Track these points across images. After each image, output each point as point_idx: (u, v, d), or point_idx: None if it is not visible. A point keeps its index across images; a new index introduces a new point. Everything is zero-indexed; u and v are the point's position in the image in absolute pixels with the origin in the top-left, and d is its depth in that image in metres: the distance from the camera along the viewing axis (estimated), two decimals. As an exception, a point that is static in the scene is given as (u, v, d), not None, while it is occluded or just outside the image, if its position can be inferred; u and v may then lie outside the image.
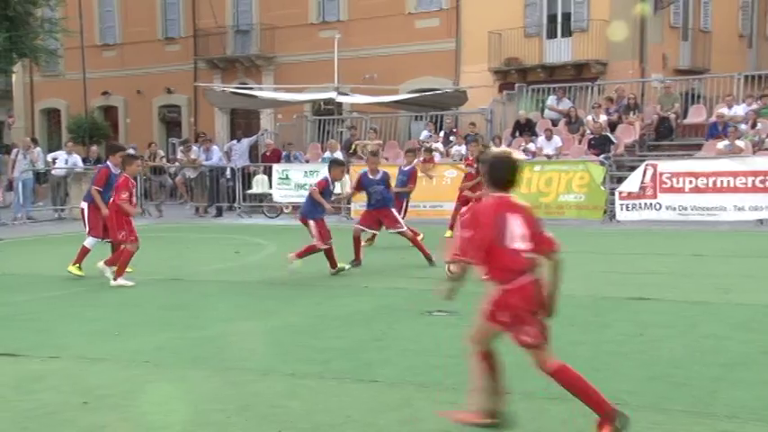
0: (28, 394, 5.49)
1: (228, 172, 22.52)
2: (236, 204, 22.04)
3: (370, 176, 11.84)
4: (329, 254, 10.67)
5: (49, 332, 7.52)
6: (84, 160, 23.38)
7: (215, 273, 11.26)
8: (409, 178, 14.78)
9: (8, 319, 8.24)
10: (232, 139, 26.87)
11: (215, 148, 23.91)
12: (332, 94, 25.20)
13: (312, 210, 10.84)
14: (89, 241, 10.87)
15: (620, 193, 17.73)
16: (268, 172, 22.07)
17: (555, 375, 4.39)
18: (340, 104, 26.76)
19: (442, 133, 23.60)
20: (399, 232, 11.67)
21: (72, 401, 5.26)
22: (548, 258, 4.44)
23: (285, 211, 21.27)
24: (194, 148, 23.69)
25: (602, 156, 18.99)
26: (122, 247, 10.31)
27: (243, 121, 33.39)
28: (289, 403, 5.19)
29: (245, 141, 24.25)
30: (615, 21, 26.01)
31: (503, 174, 4.42)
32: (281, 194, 21.33)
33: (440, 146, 22.30)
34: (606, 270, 10.85)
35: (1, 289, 10.15)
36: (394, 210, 11.95)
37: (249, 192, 22.32)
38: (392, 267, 11.60)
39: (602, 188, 17.93)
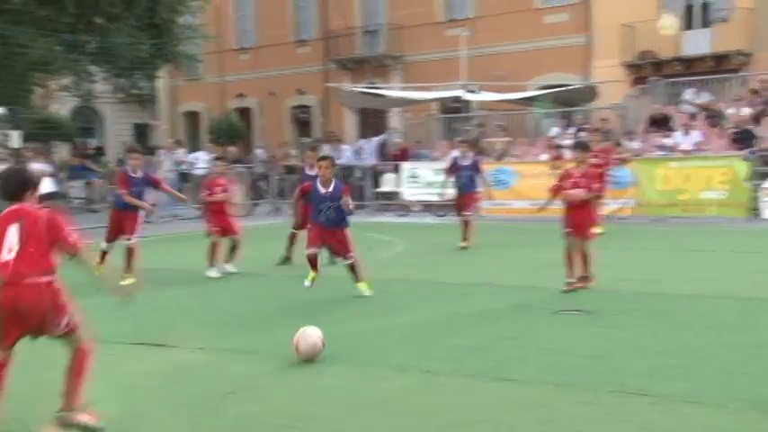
0: (177, 383, 5.77)
1: (358, 171, 22.86)
2: (365, 202, 22.35)
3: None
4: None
5: (194, 324, 7.86)
6: (218, 158, 24.20)
7: (346, 269, 11.43)
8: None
9: (156, 311, 8.66)
10: (361, 139, 27.25)
11: (345, 147, 24.31)
12: (459, 92, 25.16)
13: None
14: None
15: (766, 189, 16.90)
16: (397, 170, 22.27)
17: None
18: (468, 102, 26.68)
19: (572, 129, 23.13)
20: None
21: (218, 391, 5.50)
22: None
23: (414, 209, 21.40)
24: (325, 147, 24.17)
25: (747, 150, 18.14)
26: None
27: (372, 120, 33.79)
28: (424, 400, 5.24)
29: (375, 140, 24.56)
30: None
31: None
32: (410, 192, 21.48)
33: (570, 143, 21.85)
34: (752, 270, 10.38)
35: (151, 283, 10.65)
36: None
37: (378, 190, 22.59)
38: (521, 265, 11.50)
39: (746, 184, 17.13)
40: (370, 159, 23.22)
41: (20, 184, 4.75)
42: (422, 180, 21.12)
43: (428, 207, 21.04)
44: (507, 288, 9.49)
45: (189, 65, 30.57)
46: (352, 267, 9.25)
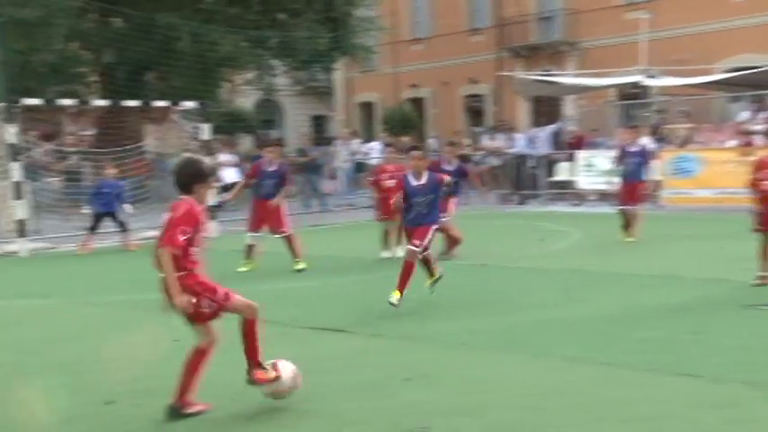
0: (353, 368, 5.91)
1: (532, 160, 22.53)
2: (538, 192, 22.01)
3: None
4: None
5: (369, 311, 8.02)
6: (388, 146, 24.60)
7: (520, 260, 11.33)
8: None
9: (332, 298, 8.92)
10: (535, 127, 26.85)
11: (518, 135, 24.04)
12: (639, 78, 24.22)
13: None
14: None
15: None
16: (572, 159, 21.77)
17: None
18: (647, 88, 25.64)
19: (763, 114, 21.72)
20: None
21: (394, 377, 5.58)
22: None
23: (590, 198, 20.86)
24: (499, 136, 24.02)
25: None
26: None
27: (546, 108, 33.16)
28: (604, 393, 5.10)
29: (549, 128, 24.12)
30: None
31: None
32: (586, 181, 20.94)
33: (761, 128, 20.56)
34: None
35: (323, 270, 11.00)
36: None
37: (552, 179, 22.17)
38: (705, 257, 10.95)
39: None
40: (543, 148, 22.83)
41: (189, 176, 4.90)
42: (598, 169, 20.50)
43: (604, 196, 20.43)
44: (690, 280, 9.05)
45: (364, 56, 31.23)
46: (425, 262, 8.49)
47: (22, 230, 13.47)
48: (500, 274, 10.14)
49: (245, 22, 25.62)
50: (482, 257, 11.46)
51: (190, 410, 4.86)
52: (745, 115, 22.13)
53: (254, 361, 4.97)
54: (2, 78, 21.15)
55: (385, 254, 11.62)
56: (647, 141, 20.82)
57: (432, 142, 28.86)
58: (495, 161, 23.35)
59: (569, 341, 6.46)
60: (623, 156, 13.46)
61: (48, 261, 13.06)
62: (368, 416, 4.82)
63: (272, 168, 11.16)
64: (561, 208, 20.17)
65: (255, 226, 11.19)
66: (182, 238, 4.72)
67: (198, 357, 4.91)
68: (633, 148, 13.55)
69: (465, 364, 5.92)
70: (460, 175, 12.30)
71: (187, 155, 5.57)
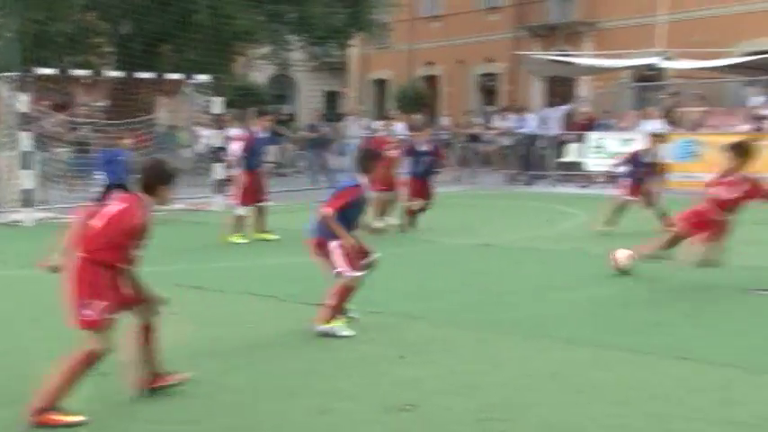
0: (349, 344, 5.93)
1: (542, 140, 22.44)
2: (548, 173, 21.93)
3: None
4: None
5: (371, 289, 8.03)
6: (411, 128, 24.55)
7: (525, 240, 11.33)
8: None
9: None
10: (547, 107, 26.71)
11: (530, 116, 23.93)
12: (654, 60, 24.04)
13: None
14: None
15: None
16: (582, 140, 21.66)
17: None
18: (662, 70, 25.44)
19: (778, 99, 21.52)
20: None
21: (389, 354, 5.62)
22: None
23: (598, 180, 20.78)
24: (510, 116, 23.91)
25: None
26: None
27: (560, 88, 32.96)
28: (598, 374, 5.13)
29: (561, 109, 23.97)
30: None
31: None
32: (594, 163, 20.84)
33: (775, 113, 20.40)
34: None
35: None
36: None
37: (562, 160, 22.08)
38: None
39: None
40: (554, 129, 22.70)
41: (153, 178, 4.70)
42: (607, 150, 20.41)
43: (612, 178, 20.38)
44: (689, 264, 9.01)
45: (380, 33, 31.07)
46: None
47: (28, 200, 13.53)
48: (502, 255, 10.15)
49: (262, -4, 25.52)
50: (486, 237, 11.47)
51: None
52: (757, 100, 21.93)
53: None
54: (17, 47, 21.22)
55: (377, 223, 11.81)
56: (659, 125, 20.73)
57: (444, 120, 28.81)
58: (505, 141, 23.27)
59: (565, 323, 6.48)
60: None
61: (52, 231, 13.10)
62: (360, 392, 4.87)
63: (265, 137, 11.57)
64: (569, 189, 20.11)
65: (251, 199, 11.33)
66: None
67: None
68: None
69: (460, 343, 5.95)
70: (435, 155, 12.80)
71: (155, 157, 5.47)
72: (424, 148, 12.48)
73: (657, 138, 12.94)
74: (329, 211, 6.10)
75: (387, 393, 4.81)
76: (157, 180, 4.72)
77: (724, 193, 7.51)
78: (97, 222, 4.57)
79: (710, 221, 7.57)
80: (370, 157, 6.64)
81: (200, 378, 5.02)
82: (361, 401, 4.71)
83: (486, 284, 8.20)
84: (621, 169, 12.60)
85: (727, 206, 7.55)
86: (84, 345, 4.40)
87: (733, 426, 4.22)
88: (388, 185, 11.84)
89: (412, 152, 12.54)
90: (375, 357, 5.57)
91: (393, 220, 12.36)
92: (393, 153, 11.99)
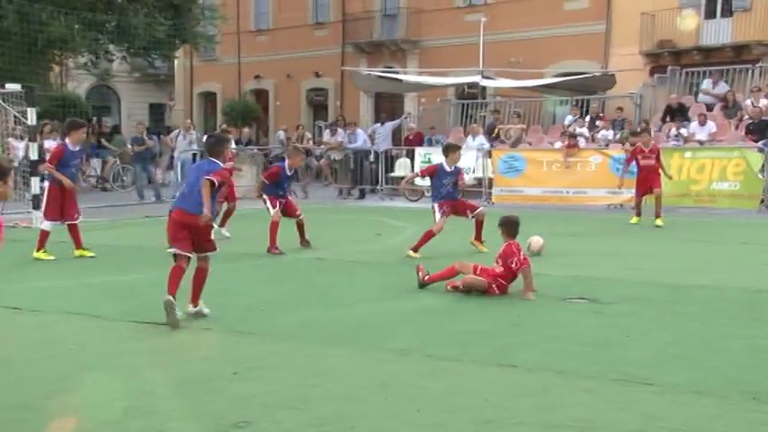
0: (183, 362, 5.82)
1: (372, 155, 22.87)
2: (378, 187, 22.37)
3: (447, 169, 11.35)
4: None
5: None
6: (237, 142, 24.29)
7: (356, 254, 11.49)
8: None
9: (161, 291, 8.70)
10: (376, 123, 27.25)
11: (360, 131, 24.32)
12: (476, 78, 25.10)
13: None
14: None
15: (779, 181, 16.80)
16: (410, 155, 22.25)
17: None
18: (484, 88, 26.60)
19: (587, 118, 23.06)
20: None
21: (223, 371, 5.54)
22: None
23: (426, 194, 21.39)
24: (340, 131, 24.20)
25: (762, 142, 18.01)
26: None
27: (387, 104, 33.75)
28: (427, 384, 5.26)
29: (389, 125, 24.52)
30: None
31: None
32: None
33: (585, 131, 21.82)
34: (762, 262, 10.34)
35: (159, 263, 10.71)
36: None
37: (392, 175, 22.58)
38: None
39: (760, 176, 17.02)
40: (383, 144, 23.20)
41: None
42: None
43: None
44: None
45: (206, 46, 30.63)
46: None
47: None
48: (335, 268, 10.24)
49: (78, 4, 24.49)
50: (318, 251, 11.53)
51: None
52: (570, 118, 23.39)
53: None
54: None
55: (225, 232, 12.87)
56: (482, 140, 21.66)
57: (280, 134, 28.75)
58: (336, 155, 23.54)
59: (396, 334, 6.62)
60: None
61: None
62: (194, 411, 4.76)
63: (77, 149, 11.05)
64: (399, 203, 20.58)
65: (57, 214, 10.96)
66: None
67: None
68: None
69: (293, 357, 5.94)
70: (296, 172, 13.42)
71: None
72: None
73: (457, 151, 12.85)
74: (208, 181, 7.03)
75: (222, 410, 4.74)
76: None
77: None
78: None
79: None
80: (220, 141, 7.55)
81: (25, 403, 4.74)
82: (198, 420, 4.61)
83: (318, 298, 8.24)
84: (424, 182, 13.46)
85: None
86: None
87: (553, 428, 4.45)
88: (228, 197, 12.74)
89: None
90: (208, 375, 5.47)
91: (226, 231, 12.90)
92: (231, 165, 12.15)
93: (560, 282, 8.83)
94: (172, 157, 23.43)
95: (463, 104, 27.35)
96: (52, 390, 5.14)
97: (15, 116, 16.17)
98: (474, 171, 20.33)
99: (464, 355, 5.90)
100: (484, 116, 25.73)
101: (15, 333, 6.71)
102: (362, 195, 22.66)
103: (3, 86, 15.73)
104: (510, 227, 8.43)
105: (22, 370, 5.59)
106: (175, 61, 37.43)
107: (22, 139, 17.51)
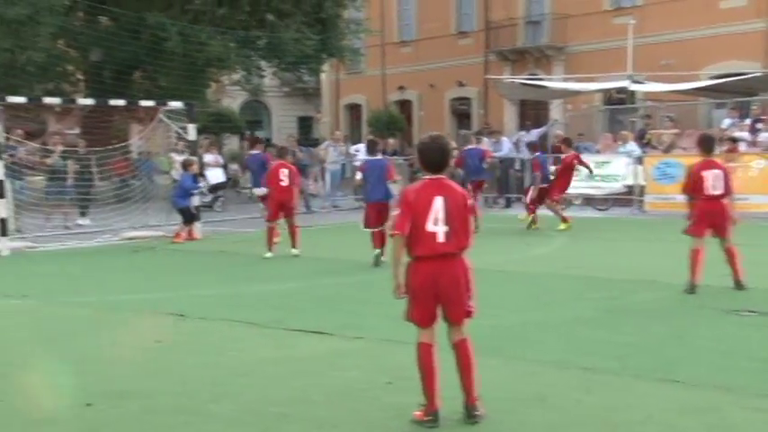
0: (337, 370, 5.90)
1: (518, 163, 22.58)
2: (523, 195, 22.01)
3: None
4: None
5: (352, 314, 8.02)
6: (383, 152, 24.58)
7: (504, 263, 11.34)
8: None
9: (319, 300, 8.90)
10: (521, 131, 26.92)
11: (505, 139, 24.09)
12: (625, 83, 24.33)
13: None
14: None
15: None
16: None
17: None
18: (633, 93, 25.76)
19: (748, 120, 21.87)
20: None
21: (376, 380, 5.58)
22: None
23: (574, 202, 20.91)
24: (485, 139, 24.03)
25: None
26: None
27: (532, 112, 33.29)
28: (585, 398, 5.11)
29: (535, 132, 24.15)
30: None
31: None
32: (570, 185, 20.96)
33: (745, 134, 20.71)
34: None
35: (311, 272, 11.00)
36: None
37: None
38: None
39: None
40: (529, 152, 22.84)
41: (445, 154, 4.70)
42: (583, 172, 20.57)
43: (588, 201, 20.54)
44: (672, 285, 9.05)
45: (352, 59, 31.21)
46: None
47: (2, 229, 13.34)
48: (482, 278, 10.10)
49: (233, 23, 25.56)
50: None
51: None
52: (728, 122, 22.26)
53: None
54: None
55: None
56: (632, 147, 20.97)
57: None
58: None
59: (549, 345, 6.47)
60: None
61: (28, 260, 12.95)
62: (348, 420, 4.82)
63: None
64: (544, 211, 20.20)
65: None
66: None
67: None
68: None
69: (447, 368, 5.82)
70: None
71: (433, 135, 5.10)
72: None
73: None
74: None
75: (375, 420, 4.77)
76: (446, 158, 4.73)
77: None
78: None
79: None
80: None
81: (192, 407, 4.95)
82: (350, 429, 4.66)
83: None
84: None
85: None
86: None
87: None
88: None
89: None
90: (363, 383, 5.52)
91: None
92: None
93: (725, 293, 8.39)
94: (321, 169, 23.98)
95: (612, 110, 26.58)
96: (217, 394, 5.34)
97: (177, 132, 17.01)
98: (625, 179, 19.70)
99: (623, 369, 5.70)
100: (634, 121, 24.89)
101: (181, 339, 7.02)
102: (508, 204, 22.40)
103: (166, 104, 16.61)
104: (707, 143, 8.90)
105: (188, 375, 5.84)
106: (322, 75, 38.36)
107: (182, 153, 18.38)
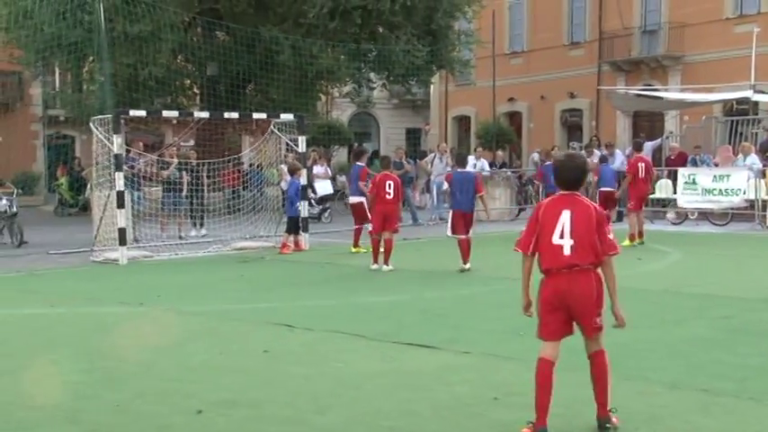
0: (445, 385, 5.84)
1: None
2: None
3: None
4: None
5: (459, 328, 7.94)
6: (491, 164, 24.42)
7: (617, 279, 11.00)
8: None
9: (424, 313, 8.87)
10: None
11: (618, 151, 23.52)
12: (747, 93, 23.37)
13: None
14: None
15: None
16: (672, 176, 21.12)
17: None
18: (756, 104, 24.69)
19: None
20: None
21: (484, 396, 5.50)
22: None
23: (691, 217, 20.21)
24: (596, 152, 23.51)
25: None
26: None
27: (646, 123, 32.40)
28: (701, 420, 4.91)
29: (649, 144, 23.45)
30: None
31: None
32: (686, 200, 20.28)
33: None
34: None
35: (416, 284, 10.98)
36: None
37: (652, 196, 21.54)
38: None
39: None
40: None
41: (581, 173, 4.79)
42: (700, 187, 19.86)
43: (705, 215, 19.81)
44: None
45: (462, 70, 31.13)
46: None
47: (122, 239, 13.88)
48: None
49: (344, 36, 25.90)
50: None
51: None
52: None
53: None
54: (110, 91, 22.04)
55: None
56: (754, 159, 20.09)
57: (534, 156, 28.51)
58: (589, 177, 22.91)
59: (662, 365, 6.24)
60: None
61: (144, 269, 13.42)
62: (453, 434, 4.76)
63: None
64: (660, 227, 19.59)
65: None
66: None
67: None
68: None
69: (558, 386, 5.76)
70: None
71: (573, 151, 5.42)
72: None
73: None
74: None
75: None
76: (582, 176, 4.81)
77: None
78: None
79: None
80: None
81: (297, 418, 5.00)
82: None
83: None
84: None
85: None
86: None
87: None
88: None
89: None
90: (470, 398, 5.46)
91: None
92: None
93: None
94: (428, 181, 23.99)
95: (732, 121, 25.53)
96: (322, 406, 5.37)
97: (287, 143, 17.34)
98: (745, 193, 18.89)
99: (742, 392, 5.43)
100: (756, 133, 23.84)
101: (289, 350, 7.11)
102: (620, 218, 21.82)
103: (278, 116, 16.96)
104: None
105: (295, 385, 5.90)
106: (431, 86, 38.44)
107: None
